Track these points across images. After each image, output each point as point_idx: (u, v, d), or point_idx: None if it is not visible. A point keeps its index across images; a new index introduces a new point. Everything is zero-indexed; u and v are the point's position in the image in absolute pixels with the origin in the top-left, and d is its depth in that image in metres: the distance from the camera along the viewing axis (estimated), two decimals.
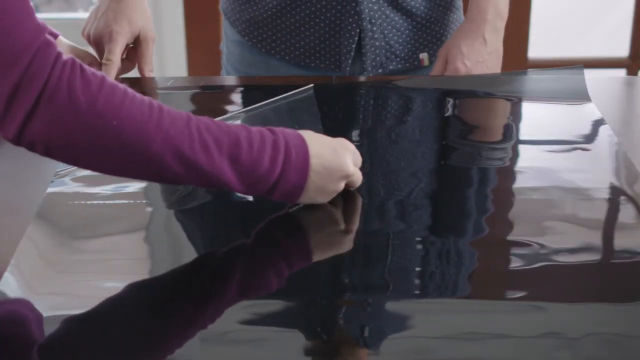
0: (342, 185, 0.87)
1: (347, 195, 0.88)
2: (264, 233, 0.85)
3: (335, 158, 0.84)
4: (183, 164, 0.77)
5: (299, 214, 0.86)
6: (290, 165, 0.81)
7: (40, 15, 0.75)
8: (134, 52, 1.25)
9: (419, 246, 0.84)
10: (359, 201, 0.89)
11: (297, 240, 0.86)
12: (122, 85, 0.77)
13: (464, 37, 1.25)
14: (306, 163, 0.82)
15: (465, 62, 1.23)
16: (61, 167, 0.94)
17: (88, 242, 0.84)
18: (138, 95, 0.77)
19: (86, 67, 0.76)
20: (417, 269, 0.81)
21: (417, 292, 0.79)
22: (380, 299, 0.76)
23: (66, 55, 0.75)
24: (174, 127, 0.76)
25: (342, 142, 0.87)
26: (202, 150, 0.77)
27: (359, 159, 0.88)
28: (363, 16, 1.26)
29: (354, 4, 1.25)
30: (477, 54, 1.24)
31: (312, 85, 1.19)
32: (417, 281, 0.80)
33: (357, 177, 0.88)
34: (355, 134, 1.09)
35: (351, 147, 0.87)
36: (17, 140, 0.75)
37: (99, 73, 0.77)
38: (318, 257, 0.84)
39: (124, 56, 1.23)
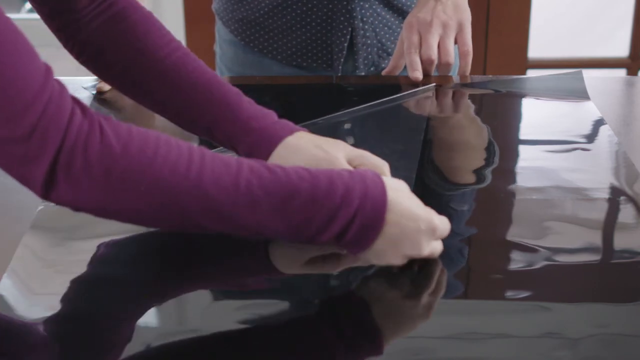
0: (405, 260, 0.76)
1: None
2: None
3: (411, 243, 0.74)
4: (224, 223, 0.70)
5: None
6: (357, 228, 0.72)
7: None
8: None
9: None
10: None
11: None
12: (153, 138, 0.69)
13: (415, 9, 1.24)
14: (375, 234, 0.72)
15: (418, 15, 1.21)
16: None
17: (87, 243, 0.84)
18: (175, 147, 0.69)
19: (109, 123, 0.68)
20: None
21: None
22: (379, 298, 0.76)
23: (85, 110, 0.67)
24: (217, 185, 0.69)
25: (424, 221, 0.74)
26: (248, 208, 0.69)
27: (444, 229, 0.77)
28: (355, 14, 1.26)
29: (345, 3, 1.25)
30: (428, 8, 1.21)
31: (434, 84, 1.20)
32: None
33: (435, 251, 0.77)
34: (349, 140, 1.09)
35: (434, 223, 0.75)
36: (48, 200, 0.68)
37: (124, 130, 0.68)
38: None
39: None
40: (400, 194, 0.74)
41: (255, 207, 0.69)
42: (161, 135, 0.70)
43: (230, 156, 0.73)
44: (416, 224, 0.73)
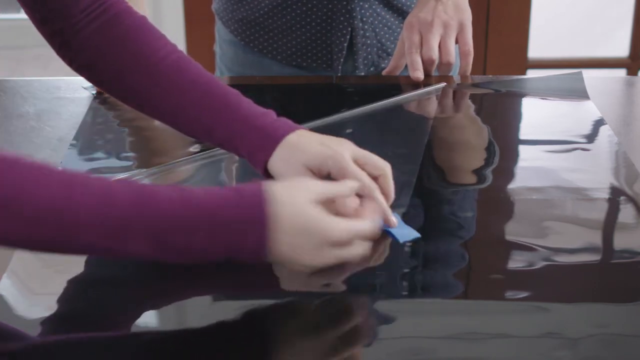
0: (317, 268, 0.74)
1: None
2: None
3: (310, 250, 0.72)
4: (95, 253, 0.71)
5: None
6: (239, 252, 0.71)
7: None
8: None
9: (418, 246, 0.84)
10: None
11: None
12: (30, 169, 0.66)
13: (416, 8, 1.24)
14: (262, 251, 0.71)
15: (419, 15, 1.21)
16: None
17: None
18: (43, 183, 0.65)
19: None
20: (418, 269, 0.81)
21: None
22: (380, 298, 0.76)
23: None
24: (77, 227, 0.66)
25: (317, 234, 0.72)
26: (117, 243, 0.67)
27: (352, 234, 0.74)
28: (354, 14, 1.26)
29: (345, 3, 1.25)
30: (428, 8, 1.21)
31: (444, 84, 1.20)
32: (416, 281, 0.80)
33: (354, 255, 0.75)
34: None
35: (332, 235, 0.72)
36: None
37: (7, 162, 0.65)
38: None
39: None
40: (290, 209, 0.71)
41: (127, 242, 0.68)
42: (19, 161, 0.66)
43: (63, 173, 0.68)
44: (305, 239, 0.71)
